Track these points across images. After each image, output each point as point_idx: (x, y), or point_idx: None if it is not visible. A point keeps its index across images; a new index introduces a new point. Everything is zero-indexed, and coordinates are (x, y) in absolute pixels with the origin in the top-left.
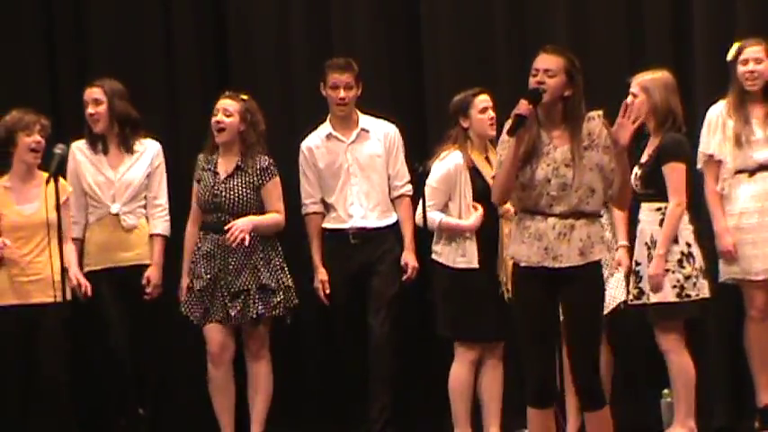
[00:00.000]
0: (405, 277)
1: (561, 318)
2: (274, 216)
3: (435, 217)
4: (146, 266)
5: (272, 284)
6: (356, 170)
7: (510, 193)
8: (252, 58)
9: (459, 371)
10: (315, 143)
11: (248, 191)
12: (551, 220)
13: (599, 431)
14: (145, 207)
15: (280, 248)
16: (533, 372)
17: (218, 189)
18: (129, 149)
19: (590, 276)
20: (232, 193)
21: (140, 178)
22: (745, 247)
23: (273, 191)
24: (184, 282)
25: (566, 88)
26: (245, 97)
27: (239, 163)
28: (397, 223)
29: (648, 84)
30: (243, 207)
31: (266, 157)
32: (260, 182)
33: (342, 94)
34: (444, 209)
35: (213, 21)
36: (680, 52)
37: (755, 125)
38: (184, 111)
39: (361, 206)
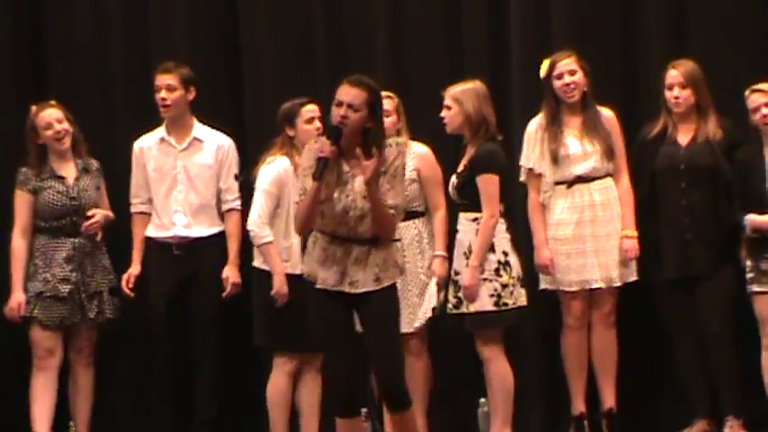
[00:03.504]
0: (224, 294)
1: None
2: (111, 213)
3: (267, 236)
4: None
5: (116, 286)
6: (183, 178)
7: (311, 225)
8: (69, 62)
9: (276, 381)
10: (147, 144)
11: (95, 191)
12: (349, 246)
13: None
14: None
15: None
16: (337, 383)
17: (73, 192)
18: None
19: (385, 295)
20: (86, 194)
21: None
22: (559, 257)
23: (104, 191)
24: (17, 298)
25: (367, 121)
26: (54, 102)
27: (83, 165)
28: (221, 234)
29: (460, 95)
30: (93, 207)
31: (96, 160)
32: (99, 182)
33: (163, 94)
34: (273, 215)
35: (29, 24)
36: (497, 65)
37: (572, 137)
38: (1, 125)
39: (184, 215)
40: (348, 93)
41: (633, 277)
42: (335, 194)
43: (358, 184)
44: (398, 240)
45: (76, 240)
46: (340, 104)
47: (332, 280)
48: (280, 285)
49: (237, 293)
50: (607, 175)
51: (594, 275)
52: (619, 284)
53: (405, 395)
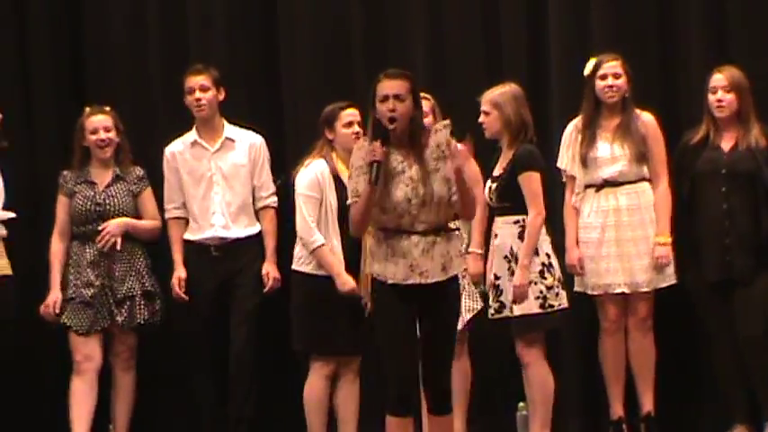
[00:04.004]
0: (266, 289)
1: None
2: (153, 222)
3: (317, 240)
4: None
5: (153, 291)
6: (219, 179)
7: (367, 226)
8: (107, 66)
9: (314, 385)
10: (178, 149)
11: (128, 198)
12: (414, 237)
13: None
14: None
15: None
16: (395, 380)
17: (99, 198)
18: None
19: (451, 289)
20: (115, 200)
21: None
22: (584, 260)
23: (149, 199)
24: (54, 296)
25: (414, 109)
26: (108, 108)
27: (117, 173)
28: (259, 234)
29: (498, 99)
30: (125, 214)
31: (140, 168)
32: (138, 190)
33: (197, 95)
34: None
35: (68, 28)
36: (535, 67)
37: (603, 140)
38: (38, 121)
39: (222, 216)
40: (392, 85)
41: (664, 283)
42: (392, 187)
43: (415, 171)
44: (458, 229)
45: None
46: (386, 99)
47: (401, 273)
48: (343, 284)
49: (278, 289)
50: (639, 179)
51: (618, 280)
52: (646, 290)
53: (448, 400)
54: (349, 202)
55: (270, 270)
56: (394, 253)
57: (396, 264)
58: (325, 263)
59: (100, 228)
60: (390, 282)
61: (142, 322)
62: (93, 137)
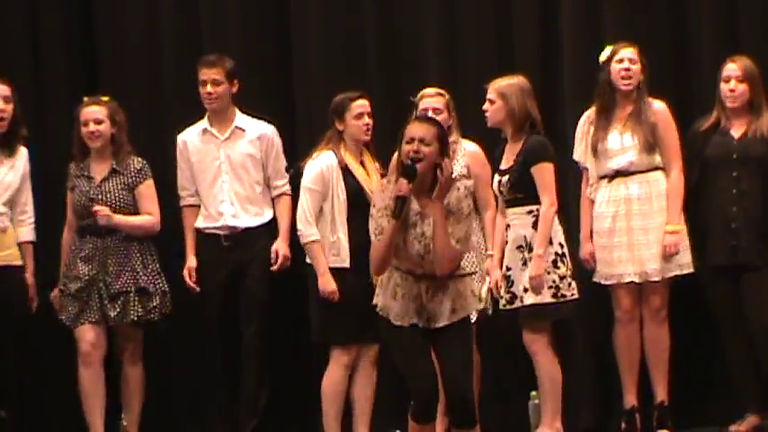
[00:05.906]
0: (275, 267)
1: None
2: (145, 218)
3: (312, 234)
4: (13, 267)
5: (150, 288)
6: (227, 168)
7: (389, 265)
8: (120, 59)
9: (333, 374)
10: (190, 137)
11: (124, 192)
12: (424, 283)
13: None
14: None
15: (155, 253)
16: (417, 395)
17: (94, 193)
18: (10, 152)
19: (462, 326)
20: (109, 195)
21: (18, 181)
22: (597, 250)
23: (146, 192)
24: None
25: (438, 156)
26: (105, 99)
27: (114, 166)
28: (270, 222)
29: (505, 89)
30: (120, 209)
31: (140, 159)
32: (135, 183)
33: (208, 89)
34: (319, 212)
35: (80, 22)
36: (547, 63)
37: (614, 131)
38: (52, 115)
39: (231, 205)
40: (418, 129)
41: (673, 272)
42: (407, 237)
43: (427, 226)
44: (474, 273)
45: (99, 240)
46: (411, 141)
47: (408, 317)
48: (325, 284)
49: (287, 267)
50: (651, 168)
51: (628, 269)
52: (656, 279)
53: (473, 412)
54: (372, 239)
55: (280, 248)
56: (403, 294)
57: (403, 305)
58: (314, 258)
59: (93, 209)
60: (397, 323)
61: (135, 318)
62: (84, 129)
